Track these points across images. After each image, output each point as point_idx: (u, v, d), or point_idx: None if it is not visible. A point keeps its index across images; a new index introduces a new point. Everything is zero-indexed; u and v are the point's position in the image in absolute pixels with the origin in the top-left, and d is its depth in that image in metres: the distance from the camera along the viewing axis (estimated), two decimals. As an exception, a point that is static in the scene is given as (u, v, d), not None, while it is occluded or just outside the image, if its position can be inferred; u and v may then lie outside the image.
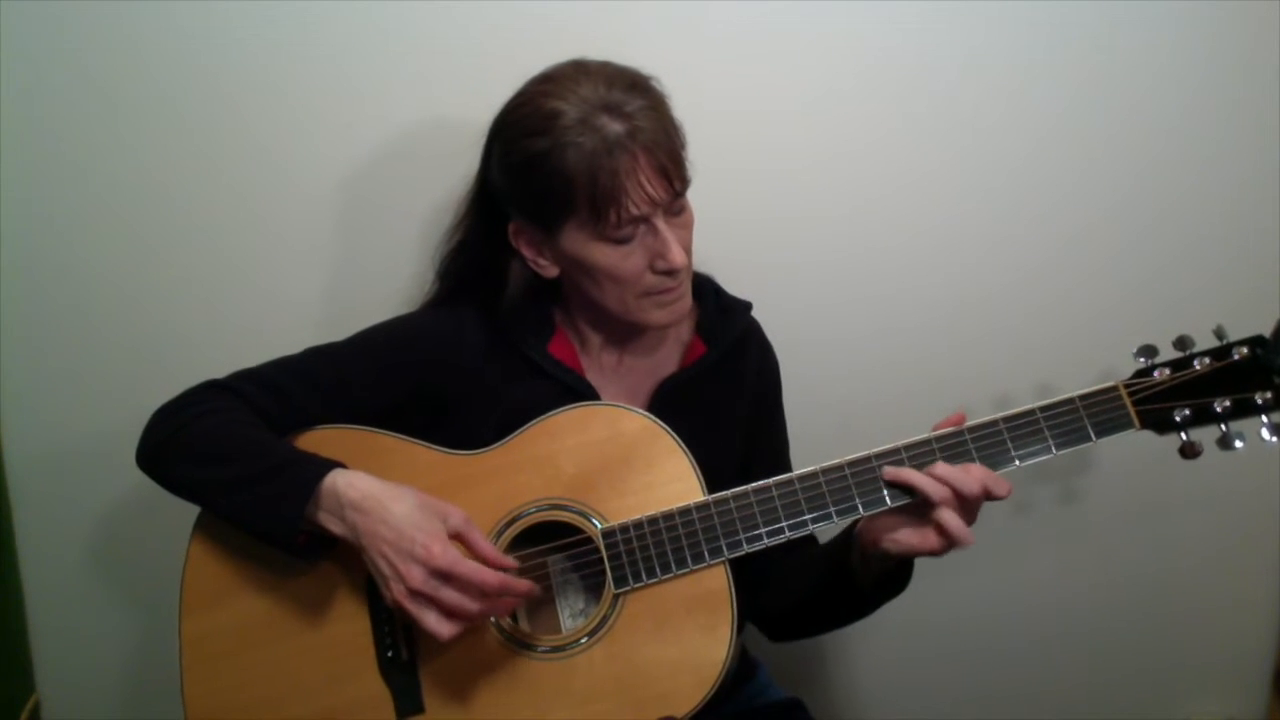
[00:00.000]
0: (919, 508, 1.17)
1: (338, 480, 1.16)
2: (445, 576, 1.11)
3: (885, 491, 1.18)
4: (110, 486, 1.64)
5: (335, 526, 1.16)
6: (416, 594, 1.11)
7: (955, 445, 1.18)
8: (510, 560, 1.17)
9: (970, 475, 1.14)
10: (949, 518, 1.13)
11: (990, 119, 1.57)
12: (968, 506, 1.15)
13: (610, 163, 1.13)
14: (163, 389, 1.28)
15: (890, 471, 1.18)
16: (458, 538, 1.15)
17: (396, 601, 1.13)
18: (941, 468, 1.15)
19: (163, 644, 1.32)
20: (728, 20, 1.52)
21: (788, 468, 1.40)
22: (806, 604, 1.35)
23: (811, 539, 1.35)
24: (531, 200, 1.21)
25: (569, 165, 1.14)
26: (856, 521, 1.23)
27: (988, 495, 1.15)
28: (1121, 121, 1.58)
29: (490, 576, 1.11)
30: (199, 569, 1.25)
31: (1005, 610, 1.82)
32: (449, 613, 1.12)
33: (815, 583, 1.32)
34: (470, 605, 1.11)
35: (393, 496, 1.15)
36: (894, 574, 1.26)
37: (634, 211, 1.16)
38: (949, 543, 1.15)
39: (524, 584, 1.15)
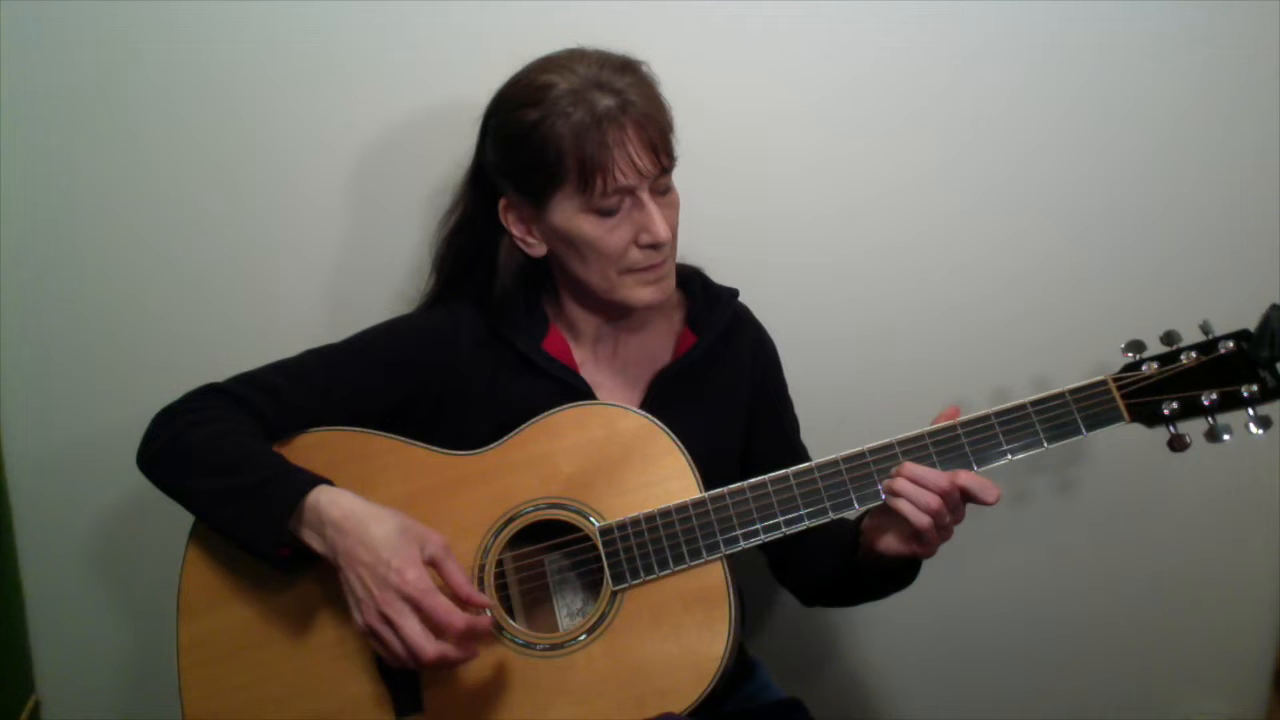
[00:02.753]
0: None
1: (321, 497, 1.16)
2: (413, 605, 1.10)
3: (880, 487, 1.19)
4: (110, 487, 1.64)
5: (315, 543, 1.15)
6: (384, 618, 1.10)
7: (948, 440, 1.19)
8: (483, 597, 1.15)
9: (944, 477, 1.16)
10: (907, 508, 1.15)
11: (988, 118, 1.58)
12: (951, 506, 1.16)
13: (599, 133, 1.16)
14: (162, 388, 1.28)
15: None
16: (433, 564, 1.13)
17: (365, 624, 1.12)
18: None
19: (163, 645, 1.31)
20: (727, 20, 1.52)
21: (799, 450, 1.42)
22: (826, 584, 1.38)
23: None
24: (522, 171, 1.22)
25: (559, 134, 1.17)
26: (864, 515, 1.25)
27: (966, 495, 1.16)
28: (1120, 120, 1.58)
29: (457, 619, 1.09)
30: (196, 572, 1.25)
31: (1006, 611, 1.81)
32: (405, 643, 1.10)
33: (831, 567, 1.34)
34: (426, 646, 1.08)
35: (374, 517, 1.14)
36: (897, 570, 1.28)
37: (621, 181, 1.18)
38: (922, 543, 1.17)
39: (486, 621, 1.14)
